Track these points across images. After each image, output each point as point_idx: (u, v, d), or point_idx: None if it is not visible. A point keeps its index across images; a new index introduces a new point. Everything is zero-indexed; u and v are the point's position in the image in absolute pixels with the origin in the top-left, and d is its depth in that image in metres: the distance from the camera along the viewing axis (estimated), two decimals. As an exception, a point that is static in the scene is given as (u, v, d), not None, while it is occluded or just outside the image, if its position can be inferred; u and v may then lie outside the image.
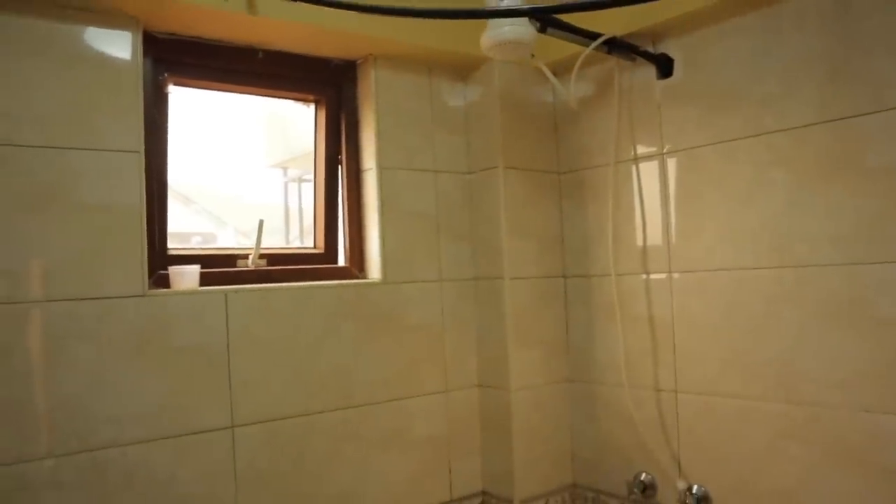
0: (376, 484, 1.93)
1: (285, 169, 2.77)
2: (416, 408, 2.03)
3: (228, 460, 1.68)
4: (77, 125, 1.53)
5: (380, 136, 2.00)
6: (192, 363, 1.64)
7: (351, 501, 1.88)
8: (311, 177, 2.14)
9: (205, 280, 1.73)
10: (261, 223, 1.85)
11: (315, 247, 2.05)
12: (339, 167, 2.06)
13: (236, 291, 1.72)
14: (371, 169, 2.01)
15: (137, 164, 1.60)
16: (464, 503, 2.11)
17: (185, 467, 1.62)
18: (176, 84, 1.81)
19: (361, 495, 1.90)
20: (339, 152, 2.06)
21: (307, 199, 2.39)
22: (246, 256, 1.88)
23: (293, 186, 2.73)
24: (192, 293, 1.67)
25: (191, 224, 2.52)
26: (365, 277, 2.03)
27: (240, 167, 2.59)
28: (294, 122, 2.39)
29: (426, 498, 2.03)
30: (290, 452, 1.78)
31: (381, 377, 1.96)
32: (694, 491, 1.87)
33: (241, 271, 1.85)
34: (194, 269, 1.70)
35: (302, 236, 2.41)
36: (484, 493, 2.15)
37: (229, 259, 1.86)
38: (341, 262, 2.05)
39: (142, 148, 1.61)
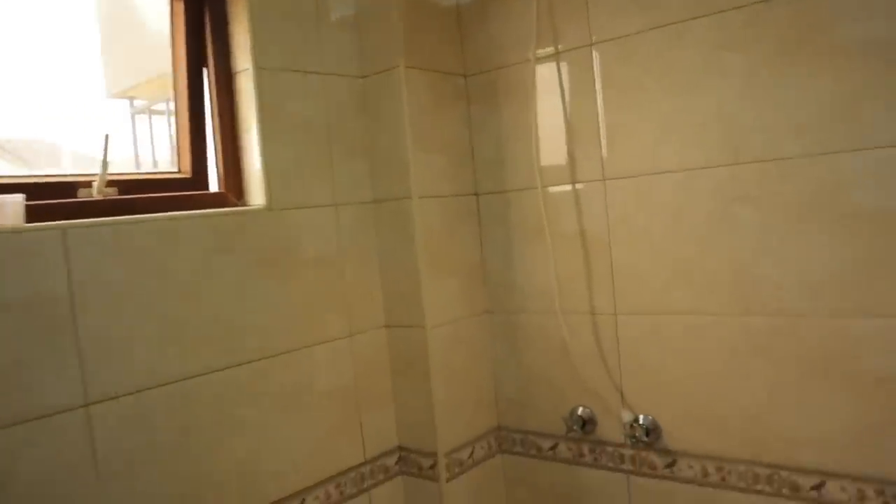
0: (277, 452, 1.59)
1: (131, 99, 2.25)
2: (316, 358, 1.70)
3: (85, 447, 1.28)
4: None
5: (255, 30, 1.59)
6: (23, 325, 1.21)
7: (248, 477, 1.54)
8: (163, 107, 1.71)
9: (33, 215, 1.29)
10: (107, 138, 1.42)
11: (180, 171, 1.63)
12: (205, 71, 1.64)
13: (79, 227, 1.30)
14: (246, 70, 1.61)
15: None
16: (379, 462, 1.82)
17: (23, 463, 1.20)
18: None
19: (260, 468, 1.56)
20: (204, 52, 1.64)
21: (160, 135, 1.93)
22: (89, 184, 1.45)
23: (142, 120, 2.22)
24: (15, 231, 1.22)
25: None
26: (245, 204, 1.65)
27: (72, 100, 2.05)
28: (138, 32, 1.91)
29: (336, 462, 1.72)
30: (167, 428, 1.40)
31: (272, 325, 1.60)
32: (641, 421, 1.69)
33: (85, 202, 1.41)
34: (17, 200, 1.25)
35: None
36: (401, 448, 1.87)
37: (67, 188, 1.42)
38: (214, 187, 1.66)
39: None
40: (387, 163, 1.79)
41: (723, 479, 1.60)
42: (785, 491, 1.53)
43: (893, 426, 1.38)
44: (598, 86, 1.68)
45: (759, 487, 1.55)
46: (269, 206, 1.62)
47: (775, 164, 1.45)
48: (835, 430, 1.45)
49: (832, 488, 1.47)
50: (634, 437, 1.69)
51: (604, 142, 1.69)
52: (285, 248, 1.64)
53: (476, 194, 1.94)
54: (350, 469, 1.75)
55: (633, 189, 1.65)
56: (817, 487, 1.49)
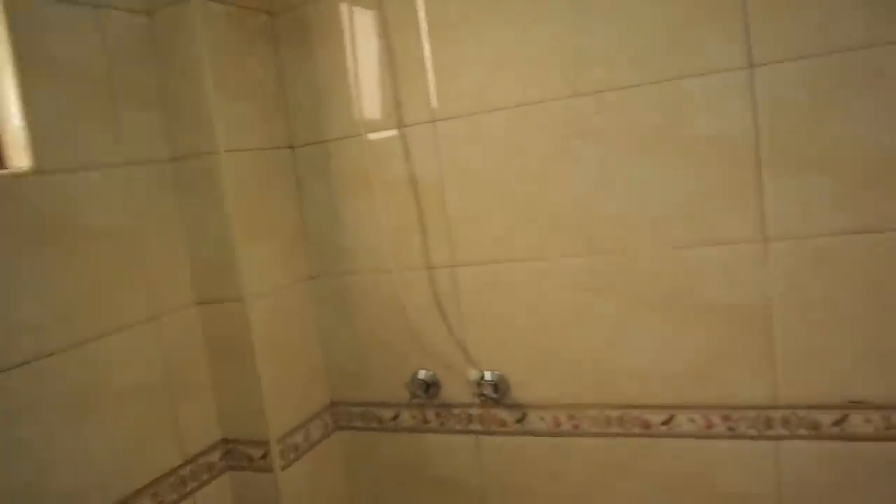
0: (72, 469, 1.30)
1: None
2: (112, 349, 1.40)
3: None
4: None
5: (-5, -57, 1.26)
6: None
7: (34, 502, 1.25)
8: None
9: None
10: None
11: None
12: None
13: None
14: (-11, -1, 1.27)
15: None
16: (202, 461, 1.58)
17: None
18: None
19: (51, 492, 1.26)
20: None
21: None
22: None
23: None
24: None
25: None
26: (4, 167, 1.32)
27: None
28: None
29: (150, 468, 1.45)
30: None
31: (50, 316, 1.29)
32: (487, 378, 1.60)
33: None
34: None
35: None
36: (226, 441, 1.63)
37: None
38: (-42, 148, 1.30)
39: None
40: (184, 113, 1.53)
41: (575, 426, 1.56)
42: (636, 430, 1.51)
43: (735, 354, 1.40)
44: (422, 19, 1.53)
45: (611, 430, 1.53)
46: (39, 168, 1.30)
47: (614, 94, 1.39)
48: (681, 363, 1.44)
49: (681, 420, 1.47)
50: (482, 395, 1.60)
51: (431, 80, 1.55)
52: (62, 220, 1.33)
53: (291, 147, 1.73)
54: (167, 474, 1.49)
55: (466, 129, 1.53)
56: (667, 422, 1.48)
